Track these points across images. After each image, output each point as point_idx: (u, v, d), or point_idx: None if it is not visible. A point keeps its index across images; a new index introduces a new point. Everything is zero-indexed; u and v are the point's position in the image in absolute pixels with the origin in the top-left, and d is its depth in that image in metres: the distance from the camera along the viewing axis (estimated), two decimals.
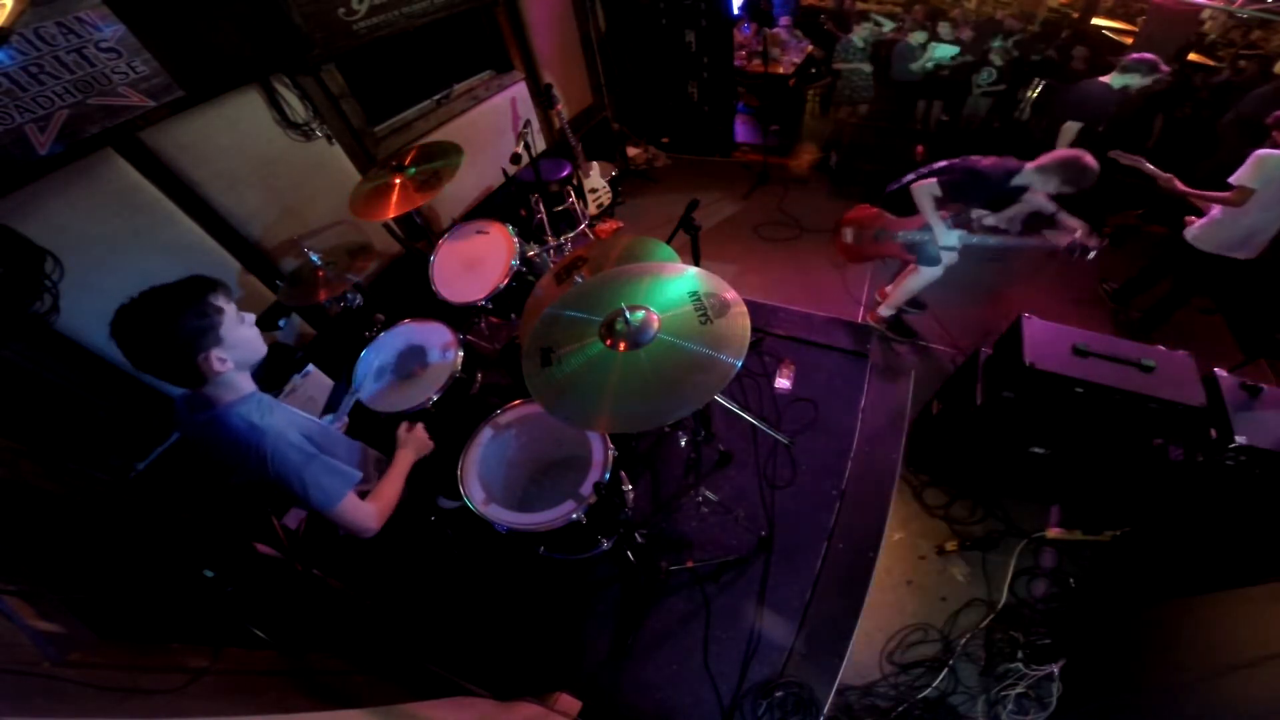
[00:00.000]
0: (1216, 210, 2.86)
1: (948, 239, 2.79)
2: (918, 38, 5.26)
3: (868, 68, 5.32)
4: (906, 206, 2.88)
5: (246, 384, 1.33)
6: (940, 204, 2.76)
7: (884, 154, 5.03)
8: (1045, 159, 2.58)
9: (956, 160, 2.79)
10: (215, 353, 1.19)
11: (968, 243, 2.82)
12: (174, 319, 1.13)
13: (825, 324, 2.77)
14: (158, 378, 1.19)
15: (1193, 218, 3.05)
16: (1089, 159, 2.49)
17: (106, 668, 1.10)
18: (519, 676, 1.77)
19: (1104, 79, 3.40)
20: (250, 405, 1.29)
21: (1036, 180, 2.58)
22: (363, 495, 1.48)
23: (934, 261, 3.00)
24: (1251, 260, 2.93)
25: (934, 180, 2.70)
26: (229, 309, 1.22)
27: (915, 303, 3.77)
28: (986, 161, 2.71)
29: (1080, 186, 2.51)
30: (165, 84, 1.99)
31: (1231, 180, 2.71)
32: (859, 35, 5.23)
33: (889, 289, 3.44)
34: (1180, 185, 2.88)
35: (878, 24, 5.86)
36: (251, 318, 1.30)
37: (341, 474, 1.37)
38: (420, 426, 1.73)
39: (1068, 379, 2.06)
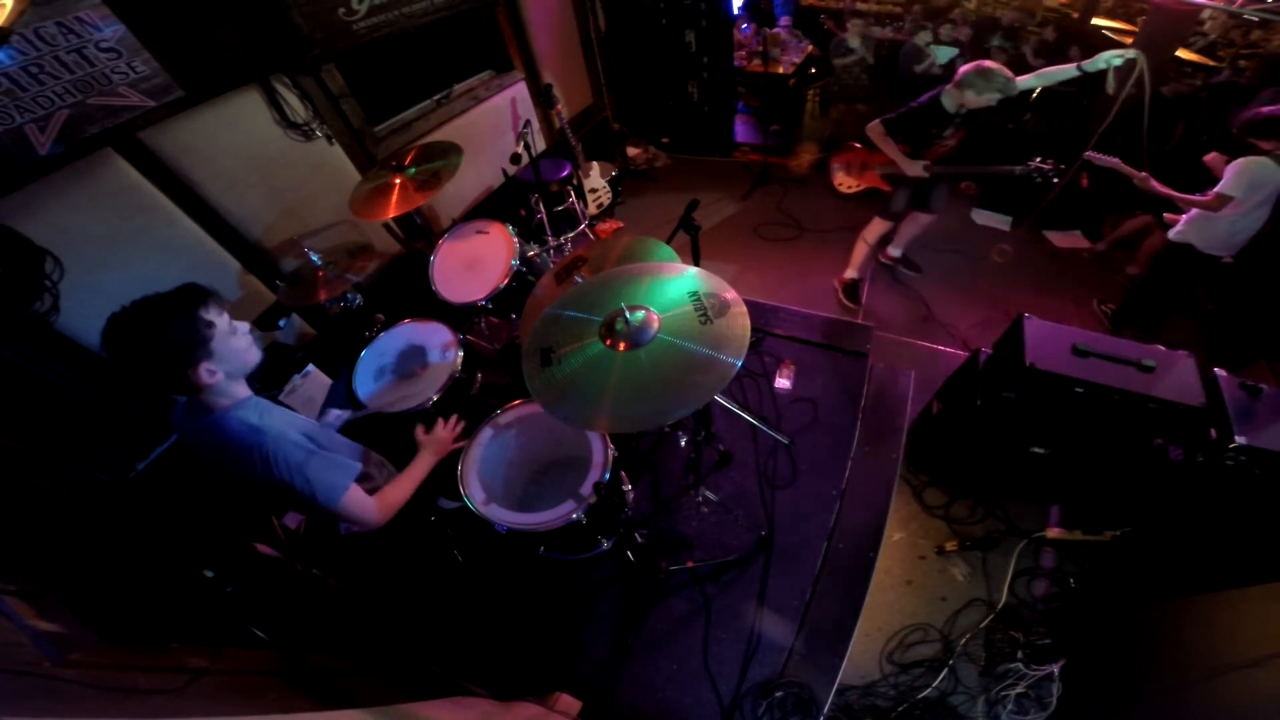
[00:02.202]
0: (1194, 210, 2.89)
1: (912, 168, 3.11)
2: (923, 38, 5.25)
3: (858, 68, 5.31)
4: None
5: (242, 389, 1.33)
6: (896, 139, 3.10)
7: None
8: (956, 76, 2.88)
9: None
10: (205, 365, 1.19)
11: (934, 171, 3.15)
12: (163, 334, 1.13)
13: (825, 324, 2.76)
14: (147, 387, 1.19)
15: (1173, 215, 3.07)
16: (987, 62, 2.80)
17: (106, 668, 1.10)
18: (519, 676, 1.77)
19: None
20: (248, 409, 1.30)
21: (957, 95, 2.86)
22: (370, 494, 1.49)
23: (928, 207, 3.55)
24: (1235, 262, 2.95)
25: (878, 120, 3.10)
26: (220, 321, 1.21)
27: (910, 264, 4.11)
28: (918, 100, 3.08)
29: (1003, 90, 2.76)
30: (165, 84, 1.99)
31: (1216, 190, 2.72)
32: (853, 36, 5.21)
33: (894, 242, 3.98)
34: (1156, 185, 2.90)
35: (871, 24, 5.83)
36: (245, 327, 1.30)
37: (342, 467, 1.38)
38: (440, 425, 1.74)
39: (1068, 379, 2.06)
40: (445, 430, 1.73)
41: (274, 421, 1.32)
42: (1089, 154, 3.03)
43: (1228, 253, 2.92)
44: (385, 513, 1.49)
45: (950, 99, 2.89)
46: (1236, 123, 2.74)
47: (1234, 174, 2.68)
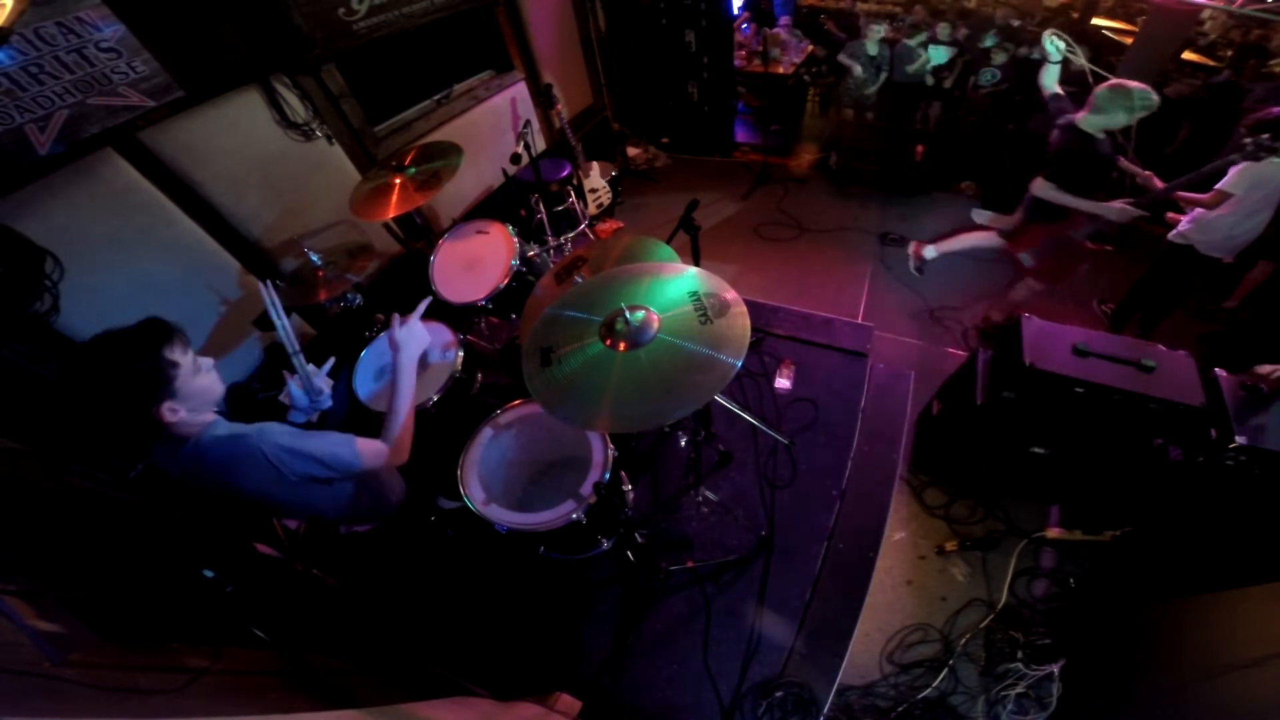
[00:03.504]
0: (1197, 210, 2.87)
1: (1121, 213, 2.79)
2: (918, 38, 5.24)
3: (869, 73, 5.29)
4: (1055, 211, 2.92)
5: (208, 416, 1.31)
6: (1072, 189, 2.80)
7: (884, 154, 5.03)
8: (1089, 101, 2.64)
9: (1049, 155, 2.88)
10: (167, 405, 1.17)
11: (1145, 203, 2.80)
12: (125, 366, 1.10)
13: (825, 324, 2.76)
14: (115, 428, 1.17)
15: (1174, 214, 3.07)
16: (1122, 80, 2.58)
17: (106, 668, 1.10)
18: (519, 676, 1.77)
19: None
20: (220, 426, 1.29)
21: (1098, 121, 2.65)
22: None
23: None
24: (1235, 262, 2.95)
25: (1041, 178, 2.82)
26: (184, 361, 1.19)
27: (921, 269, 3.89)
28: (1051, 139, 2.82)
29: (1145, 107, 2.54)
30: (165, 84, 1.99)
31: (1219, 186, 2.71)
32: (871, 42, 5.17)
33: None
34: (1159, 183, 2.89)
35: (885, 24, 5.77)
36: (209, 363, 1.28)
37: (337, 436, 1.39)
38: (413, 318, 1.66)
39: (1068, 379, 2.06)
40: (415, 321, 1.66)
41: (246, 426, 1.30)
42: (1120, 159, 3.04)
43: (1227, 255, 2.92)
44: (406, 445, 1.49)
45: (1090, 124, 2.68)
46: (1245, 122, 2.74)
47: (1237, 171, 2.67)
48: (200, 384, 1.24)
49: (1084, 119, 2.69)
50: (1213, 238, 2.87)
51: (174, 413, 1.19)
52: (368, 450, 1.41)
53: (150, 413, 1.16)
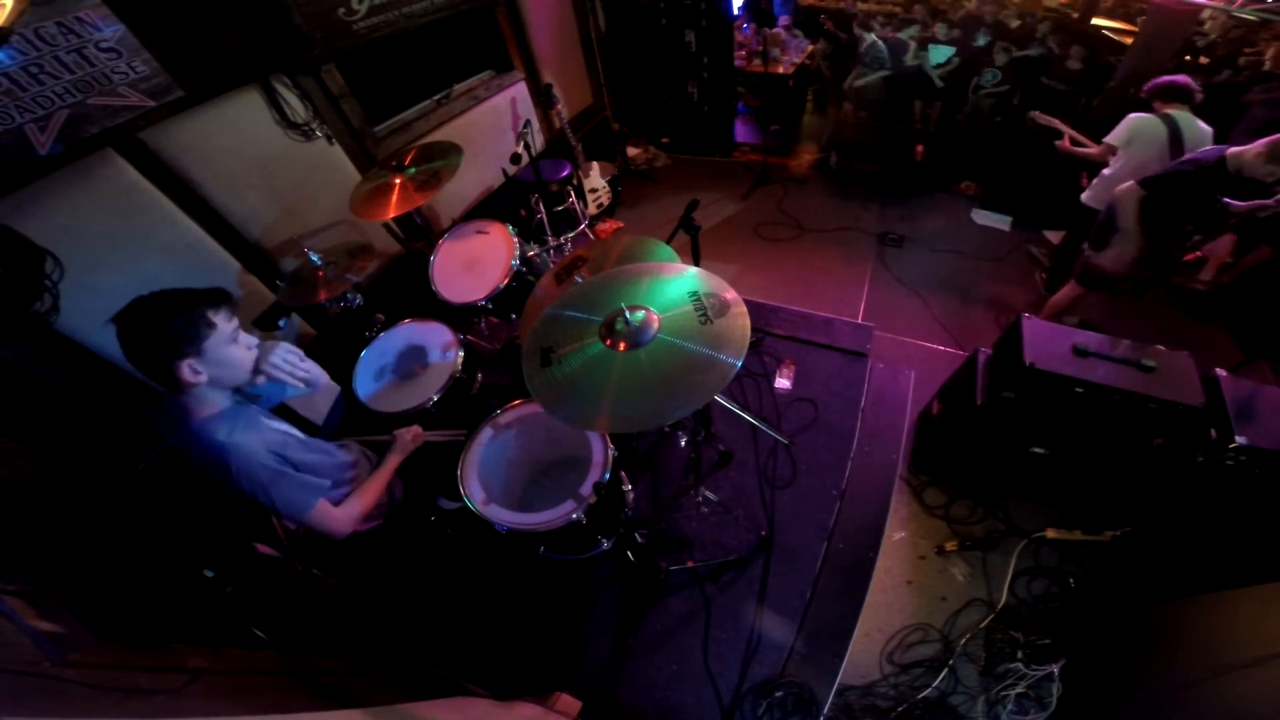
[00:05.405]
0: (1106, 169, 3.01)
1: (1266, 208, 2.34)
2: (909, 32, 5.23)
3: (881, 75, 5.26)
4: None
5: (221, 400, 1.32)
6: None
7: (884, 154, 5.04)
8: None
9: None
10: (189, 362, 1.18)
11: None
12: (164, 319, 1.15)
13: (825, 324, 2.76)
14: (140, 372, 1.19)
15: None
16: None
17: (106, 668, 1.10)
18: (519, 676, 1.77)
19: None
20: (220, 422, 1.28)
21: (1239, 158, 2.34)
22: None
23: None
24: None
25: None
26: (224, 327, 1.22)
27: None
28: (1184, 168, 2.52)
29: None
30: (165, 84, 1.99)
31: (1106, 139, 2.91)
32: (867, 40, 5.15)
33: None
34: (1064, 145, 3.06)
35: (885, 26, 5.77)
36: (252, 340, 1.30)
37: (309, 486, 1.39)
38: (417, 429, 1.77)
39: (1068, 379, 2.06)
40: (415, 433, 1.77)
41: (242, 439, 1.29)
42: (1034, 114, 3.13)
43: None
44: (355, 523, 1.51)
45: (1256, 165, 2.31)
46: (1254, 97, 2.80)
47: (1122, 126, 2.85)
48: (232, 354, 1.27)
49: (1230, 156, 2.34)
50: (1102, 193, 2.97)
51: (195, 374, 1.20)
52: (320, 516, 1.41)
53: (171, 366, 1.17)
